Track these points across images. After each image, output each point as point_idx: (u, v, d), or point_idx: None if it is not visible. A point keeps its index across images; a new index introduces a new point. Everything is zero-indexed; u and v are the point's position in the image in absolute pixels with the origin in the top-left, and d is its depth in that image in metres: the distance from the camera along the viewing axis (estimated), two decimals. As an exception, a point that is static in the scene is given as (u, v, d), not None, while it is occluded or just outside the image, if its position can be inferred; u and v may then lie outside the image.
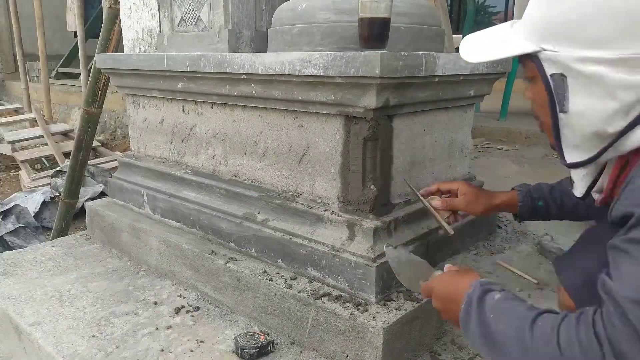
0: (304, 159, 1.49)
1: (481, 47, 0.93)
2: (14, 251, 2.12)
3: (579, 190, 0.95)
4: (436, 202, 1.31)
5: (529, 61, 0.85)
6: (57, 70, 7.38)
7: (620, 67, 0.74)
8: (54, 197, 3.64)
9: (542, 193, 1.27)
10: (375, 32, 1.32)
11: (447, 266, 1.08)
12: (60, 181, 3.57)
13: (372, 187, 1.36)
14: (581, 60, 0.77)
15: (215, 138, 1.75)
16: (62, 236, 2.73)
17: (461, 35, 3.79)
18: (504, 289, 0.88)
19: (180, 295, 1.68)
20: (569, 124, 0.83)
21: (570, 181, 1.00)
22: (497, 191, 1.33)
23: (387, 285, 1.35)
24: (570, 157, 0.87)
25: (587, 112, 0.79)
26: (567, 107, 0.81)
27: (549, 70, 0.82)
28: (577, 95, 0.80)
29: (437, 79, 1.35)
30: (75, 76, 6.75)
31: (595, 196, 0.95)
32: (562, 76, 0.80)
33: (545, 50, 0.82)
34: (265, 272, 1.49)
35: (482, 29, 0.96)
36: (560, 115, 0.83)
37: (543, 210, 1.27)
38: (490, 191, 1.33)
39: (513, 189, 1.32)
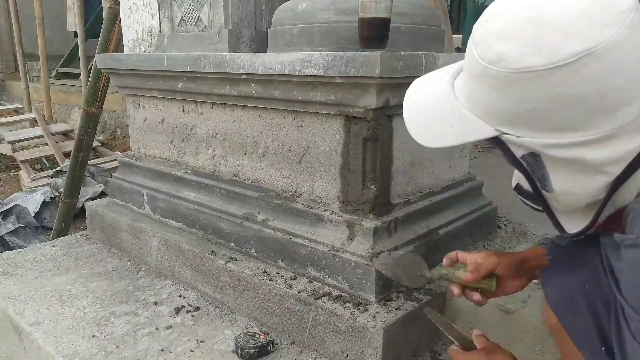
0: (304, 159, 1.49)
1: (431, 126, 0.79)
2: (14, 251, 2.12)
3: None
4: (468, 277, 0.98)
5: (493, 140, 0.73)
6: (57, 70, 7.38)
7: (598, 145, 0.65)
8: (54, 197, 3.64)
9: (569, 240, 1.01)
10: (375, 32, 1.32)
11: (475, 332, 0.95)
12: (61, 181, 3.57)
13: (372, 187, 1.36)
14: (551, 146, 0.67)
15: (215, 138, 1.75)
16: (62, 236, 2.73)
17: (461, 36, 3.79)
18: None
19: (180, 295, 1.68)
20: (556, 200, 0.74)
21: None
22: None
23: (387, 285, 1.35)
24: (570, 226, 0.77)
25: (576, 190, 0.70)
26: (550, 187, 0.71)
27: (517, 152, 0.71)
28: (558, 175, 0.70)
29: (437, 79, 1.35)
30: (76, 76, 6.75)
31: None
32: (535, 155, 0.70)
33: (505, 134, 0.70)
34: (265, 272, 1.49)
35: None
36: (545, 193, 0.74)
37: None
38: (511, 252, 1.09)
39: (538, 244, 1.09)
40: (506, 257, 0.99)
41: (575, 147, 0.66)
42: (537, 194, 0.75)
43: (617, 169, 0.66)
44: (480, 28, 0.70)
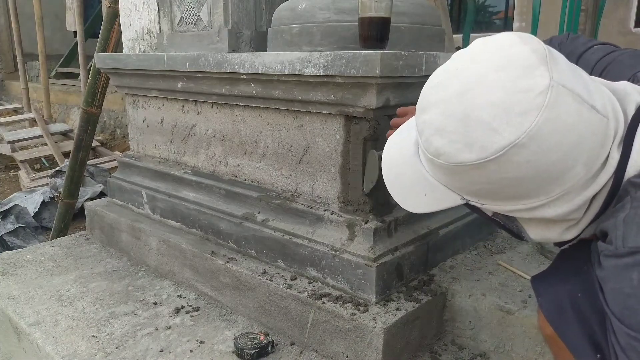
0: (304, 159, 1.48)
1: (409, 195, 0.83)
2: (13, 251, 2.12)
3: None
4: None
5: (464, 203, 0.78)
6: (56, 70, 7.38)
7: (554, 205, 0.69)
8: (54, 197, 3.63)
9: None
10: (375, 32, 1.31)
11: None
12: (60, 181, 3.56)
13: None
14: (513, 211, 0.73)
15: (215, 138, 1.75)
16: (61, 236, 2.72)
17: (461, 35, 3.79)
18: None
19: (179, 296, 1.68)
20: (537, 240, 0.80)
21: None
22: None
23: (388, 285, 1.35)
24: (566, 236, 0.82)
25: (550, 236, 0.77)
26: (528, 237, 0.78)
27: (488, 212, 0.77)
28: (530, 227, 0.77)
29: (437, 79, 1.35)
30: (75, 76, 6.75)
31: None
32: (505, 215, 0.76)
33: (470, 201, 0.75)
34: (265, 272, 1.49)
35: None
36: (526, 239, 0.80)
37: None
38: None
39: None
40: None
41: (534, 210, 0.70)
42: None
43: (580, 214, 0.71)
44: (420, 117, 0.73)
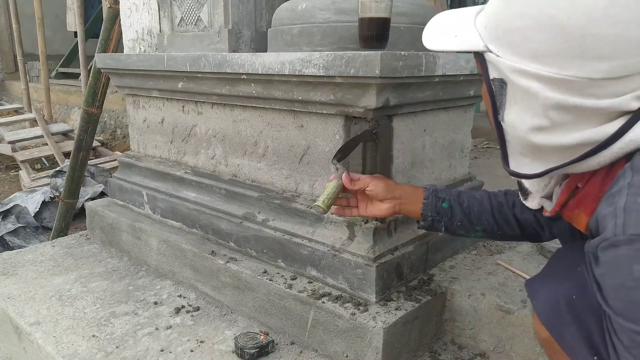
0: (304, 159, 1.49)
1: (440, 33, 0.88)
2: (14, 251, 2.12)
3: (534, 202, 0.92)
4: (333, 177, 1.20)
5: (477, 57, 0.80)
6: (57, 70, 7.38)
7: (555, 86, 0.69)
8: (54, 197, 3.64)
9: (449, 194, 1.15)
10: (375, 32, 1.32)
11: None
12: (60, 181, 3.57)
13: (372, 187, 1.35)
14: (518, 71, 0.72)
15: (215, 138, 1.75)
16: (62, 236, 2.73)
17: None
18: None
19: (180, 295, 1.68)
20: (507, 132, 0.80)
21: (521, 191, 0.96)
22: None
23: (387, 285, 1.35)
24: (516, 165, 0.83)
25: (517, 125, 0.76)
26: (502, 115, 0.78)
27: (492, 73, 0.78)
28: (512, 107, 0.76)
29: (437, 79, 1.35)
30: (75, 76, 6.75)
31: (546, 204, 0.90)
32: (503, 83, 0.76)
33: (490, 51, 0.77)
34: (265, 272, 1.49)
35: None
36: (500, 122, 0.80)
37: (447, 213, 1.13)
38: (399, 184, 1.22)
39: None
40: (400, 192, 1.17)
41: (537, 80, 0.70)
42: (495, 125, 0.82)
43: (561, 118, 0.71)
44: None
